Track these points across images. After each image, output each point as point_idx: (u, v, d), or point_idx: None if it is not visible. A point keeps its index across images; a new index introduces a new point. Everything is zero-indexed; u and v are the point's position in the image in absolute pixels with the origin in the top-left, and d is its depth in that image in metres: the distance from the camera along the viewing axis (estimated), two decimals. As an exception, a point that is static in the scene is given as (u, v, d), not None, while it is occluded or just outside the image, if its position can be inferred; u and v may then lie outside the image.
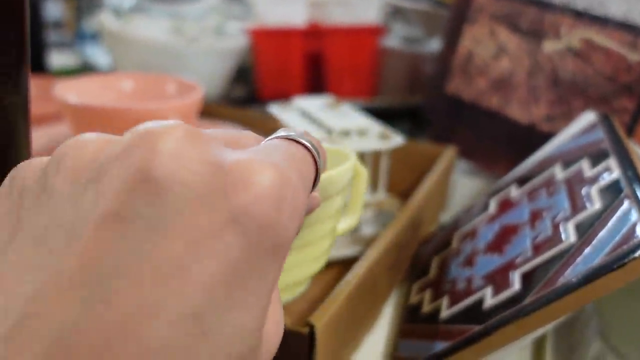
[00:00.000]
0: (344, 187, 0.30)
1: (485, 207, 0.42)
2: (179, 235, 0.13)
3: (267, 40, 0.72)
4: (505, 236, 0.37)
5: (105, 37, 0.71)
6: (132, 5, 0.76)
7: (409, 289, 0.43)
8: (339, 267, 0.41)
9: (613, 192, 0.32)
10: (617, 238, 0.28)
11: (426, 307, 0.38)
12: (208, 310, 0.13)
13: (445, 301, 0.36)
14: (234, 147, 0.16)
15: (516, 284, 0.32)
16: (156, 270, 0.13)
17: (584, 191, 0.34)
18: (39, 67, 0.75)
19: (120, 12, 0.76)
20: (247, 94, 0.79)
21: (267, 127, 0.54)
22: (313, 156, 0.18)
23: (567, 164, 0.38)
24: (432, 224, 0.51)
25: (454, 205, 0.56)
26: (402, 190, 0.52)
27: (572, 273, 0.29)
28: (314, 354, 0.29)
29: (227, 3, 0.83)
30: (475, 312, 0.33)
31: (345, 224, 0.34)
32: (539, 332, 0.30)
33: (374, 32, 0.74)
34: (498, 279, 0.33)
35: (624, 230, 0.28)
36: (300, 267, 0.31)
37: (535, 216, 0.36)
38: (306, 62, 0.74)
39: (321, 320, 0.29)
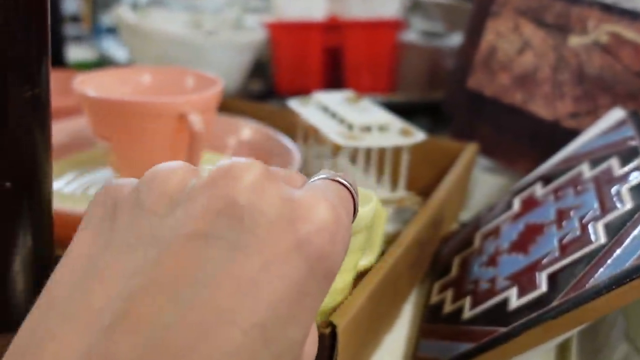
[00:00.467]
0: (366, 225, 0.31)
1: (509, 205, 0.41)
2: (255, 255, 0.16)
3: (285, 34, 0.72)
4: (530, 236, 0.36)
5: (122, 31, 0.70)
6: (150, -2, 0.76)
7: (430, 288, 0.42)
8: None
9: (645, 192, 0.31)
10: (651, 240, 0.27)
11: (448, 307, 0.37)
12: (272, 322, 0.15)
13: (467, 301, 0.35)
14: (289, 184, 0.19)
15: (543, 285, 0.31)
16: (234, 283, 0.15)
17: (613, 190, 0.33)
18: (57, 61, 0.75)
19: (137, 6, 0.75)
20: (264, 88, 0.78)
21: (286, 120, 0.53)
22: (353, 196, 0.20)
23: (595, 162, 0.37)
24: (452, 222, 0.51)
25: (474, 203, 0.55)
26: (422, 187, 0.52)
27: (602, 275, 0.28)
28: (335, 354, 0.28)
29: (245, -4, 0.83)
30: (499, 314, 0.32)
31: (366, 260, 0.35)
32: (567, 335, 0.29)
33: (394, 26, 0.73)
34: (523, 280, 0.33)
35: (658, 231, 0.28)
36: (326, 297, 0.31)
37: (561, 215, 0.35)
38: (325, 56, 0.73)
39: (343, 319, 0.28)
